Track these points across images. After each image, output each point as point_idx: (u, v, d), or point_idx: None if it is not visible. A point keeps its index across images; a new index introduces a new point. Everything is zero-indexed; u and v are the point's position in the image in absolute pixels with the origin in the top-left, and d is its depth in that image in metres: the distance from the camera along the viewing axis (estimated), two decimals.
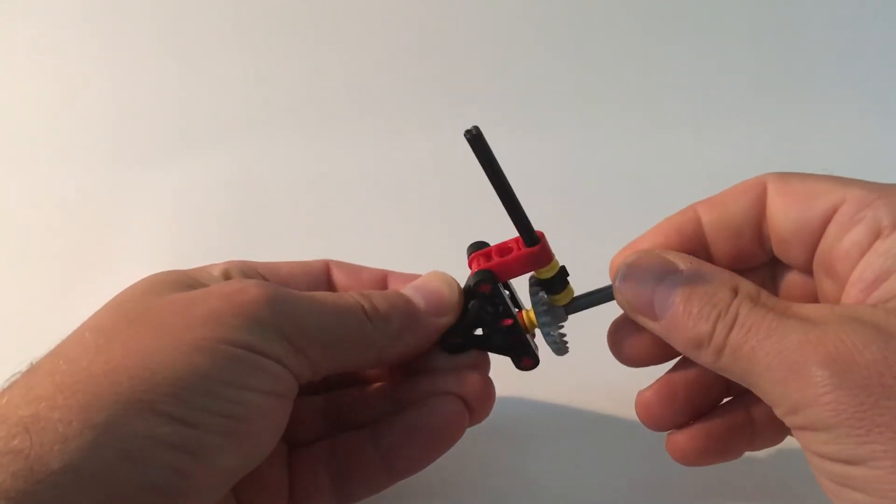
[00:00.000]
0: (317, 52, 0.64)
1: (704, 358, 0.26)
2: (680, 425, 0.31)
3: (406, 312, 0.30)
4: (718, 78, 0.64)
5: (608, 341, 0.32)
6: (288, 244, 0.49)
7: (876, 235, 0.26)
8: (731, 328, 0.25)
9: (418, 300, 0.31)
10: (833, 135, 0.61)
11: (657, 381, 0.31)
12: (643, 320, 0.28)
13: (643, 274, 0.28)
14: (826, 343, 0.23)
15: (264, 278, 0.32)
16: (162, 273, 0.30)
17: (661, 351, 0.31)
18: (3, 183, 0.59)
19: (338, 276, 0.34)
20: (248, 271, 0.32)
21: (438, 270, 0.32)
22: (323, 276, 0.34)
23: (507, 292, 0.32)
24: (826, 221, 0.27)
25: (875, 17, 0.64)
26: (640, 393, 0.31)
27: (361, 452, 0.32)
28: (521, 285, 0.33)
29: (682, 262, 0.28)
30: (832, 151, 0.60)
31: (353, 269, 0.35)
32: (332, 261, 0.35)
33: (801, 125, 0.62)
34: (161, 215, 0.56)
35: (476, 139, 0.27)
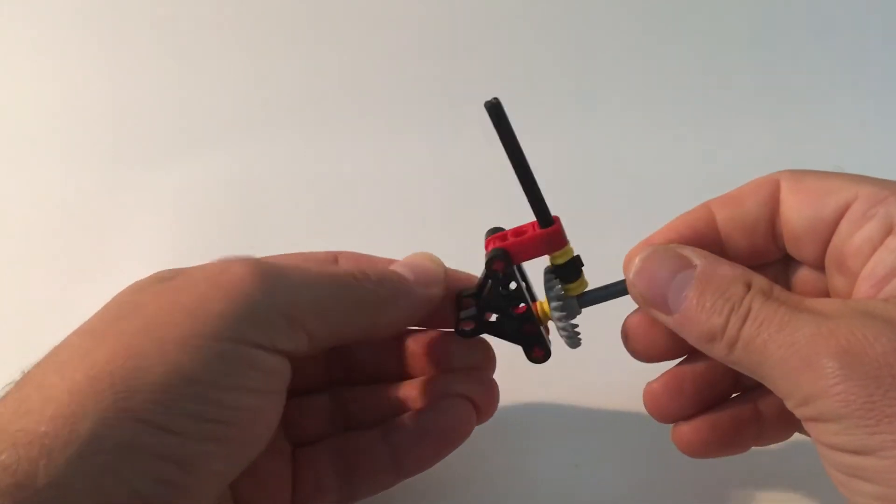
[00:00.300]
0: (317, 52, 0.64)
1: (717, 351, 0.26)
2: (686, 417, 0.31)
3: (396, 280, 0.31)
4: (720, 78, 0.64)
5: (622, 337, 0.32)
6: (288, 244, 0.49)
7: (888, 232, 0.26)
8: (744, 321, 0.25)
9: (406, 273, 0.31)
10: (834, 134, 0.61)
11: (665, 372, 0.32)
12: (657, 314, 0.28)
13: (657, 268, 0.28)
14: (837, 336, 0.23)
15: None
16: (158, 272, 0.30)
17: (674, 346, 0.31)
18: (3, 183, 0.59)
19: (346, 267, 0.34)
20: None
21: (421, 251, 0.33)
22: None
23: (524, 283, 0.32)
24: (838, 218, 0.27)
25: (876, 17, 0.64)
26: (648, 384, 0.32)
27: (371, 451, 0.32)
28: (536, 279, 0.33)
29: (696, 257, 0.28)
30: (834, 151, 0.60)
31: (361, 261, 0.34)
32: (340, 252, 0.34)
33: (802, 125, 0.62)
34: (161, 215, 0.56)
35: (495, 109, 0.27)
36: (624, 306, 0.31)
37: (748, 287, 0.26)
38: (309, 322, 0.27)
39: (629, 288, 0.29)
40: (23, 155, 0.61)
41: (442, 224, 0.54)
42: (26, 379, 0.24)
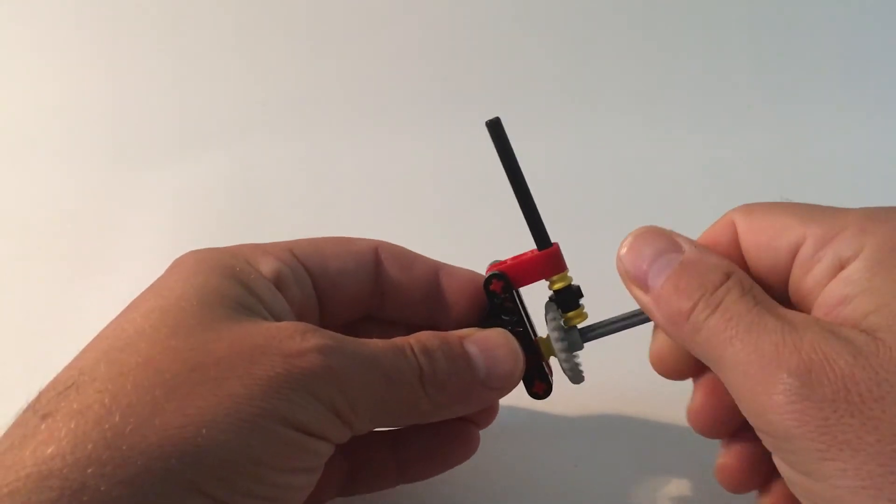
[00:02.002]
0: (317, 52, 0.64)
1: (681, 334, 0.26)
2: (761, 485, 0.30)
3: (463, 381, 0.29)
4: (719, 78, 0.64)
5: (650, 358, 0.31)
6: None
7: (837, 270, 0.26)
8: (713, 311, 0.25)
9: (480, 367, 0.29)
10: (833, 135, 0.61)
11: (733, 446, 0.30)
12: (636, 291, 0.28)
13: (646, 246, 0.28)
14: (800, 350, 0.23)
15: (313, 278, 0.31)
16: (212, 260, 0.28)
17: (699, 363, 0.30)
18: (3, 183, 0.59)
19: (389, 268, 0.33)
20: (299, 275, 0.30)
21: (508, 334, 0.31)
22: (372, 267, 0.32)
23: (526, 316, 0.32)
24: (790, 261, 0.27)
25: (876, 17, 0.65)
26: (720, 462, 0.30)
27: (378, 456, 0.33)
28: (537, 312, 0.33)
29: (687, 244, 0.28)
30: (832, 151, 0.60)
31: (404, 262, 0.33)
32: (381, 246, 0.33)
33: (801, 125, 0.62)
34: (161, 215, 0.56)
35: (495, 128, 0.27)
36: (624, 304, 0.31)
37: (726, 277, 0.26)
38: (358, 425, 0.27)
39: (616, 263, 0.29)
40: (23, 155, 0.61)
41: (442, 224, 0.54)
42: (83, 406, 0.23)
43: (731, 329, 0.25)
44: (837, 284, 0.25)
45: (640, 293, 0.28)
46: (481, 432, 0.34)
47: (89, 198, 0.58)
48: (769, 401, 0.23)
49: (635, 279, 0.28)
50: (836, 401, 0.22)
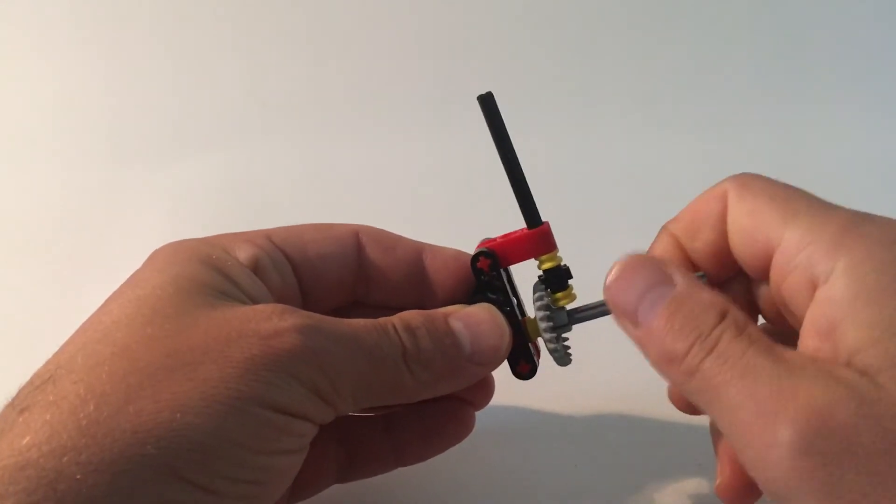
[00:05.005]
0: (316, 53, 0.64)
1: (673, 376, 0.25)
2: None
3: (448, 358, 0.29)
4: (718, 78, 0.64)
5: (669, 395, 0.31)
6: None
7: (811, 282, 0.25)
8: (707, 353, 0.24)
9: (465, 343, 0.29)
10: (833, 135, 0.61)
11: (723, 468, 0.30)
12: (624, 324, 0.27)
13: (636, 277, 0.27)
14: (798, 398, 0.21)
15: (293, 264, 0.31)
16: (188, 250, 0.29)
17: None
18: (2, 183, 0.59)
19: (371, 251, 0.32)
20: (278, 261, 0.30)
21: (494, 309, 0.30)
22: (353, 251, 0.32)
23: (514, 297, 0.32)
24: (768, 258, 0.27)
25: (875, 18, 0.65)
26: (718, 487, 0.30)
27: (373, 440, 0.33)
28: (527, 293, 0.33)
29: (678, 277, 0.26)
30: (832, 151, 0.60)
31: (386, 245, 0.32)
32: (362, 230, 0.32)
33: (801, 125, 0.62)
34: (161, 215, 0.56)
35: (487, 103, 0.28)
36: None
37: (722, 317, 0.25)
38: (341, 405, 0.27)
39: (604, 293, 0.28)
40: (22, 155, 0.61)
41: (439, 224, 0.54)
42: (59, 397, 0.23)
43: (725, 373, 0.23)
44: (823, 306, 0.24)
45: (629, 326, 0.27)
46: (482, 433, 0.34)
47: (89, 198, 0.58)
48: (768, 455, 0.21)
49: (624, 312, 0.27)
50: (840, 455, 0.20)
